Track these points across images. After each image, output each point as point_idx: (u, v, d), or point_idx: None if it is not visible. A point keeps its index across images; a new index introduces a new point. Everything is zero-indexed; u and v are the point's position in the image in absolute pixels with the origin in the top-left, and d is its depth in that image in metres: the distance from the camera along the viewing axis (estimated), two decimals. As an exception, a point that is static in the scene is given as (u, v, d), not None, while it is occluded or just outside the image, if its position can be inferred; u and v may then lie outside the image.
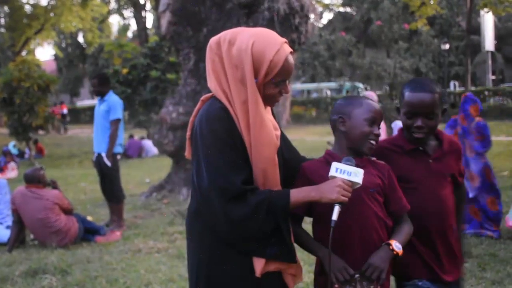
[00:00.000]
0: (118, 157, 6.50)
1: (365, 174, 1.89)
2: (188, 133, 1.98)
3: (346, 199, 1.82)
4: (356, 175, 1.85)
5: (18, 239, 5.75)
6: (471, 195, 5.39)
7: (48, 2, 28.15)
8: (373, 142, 2.01)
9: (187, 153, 1.99)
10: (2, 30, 30.67)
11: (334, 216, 1.82)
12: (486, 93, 26.33)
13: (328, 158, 2.03)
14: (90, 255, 5.26)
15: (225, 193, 1.77)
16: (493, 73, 31.76)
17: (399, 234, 2.01)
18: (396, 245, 1.94)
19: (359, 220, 1.94)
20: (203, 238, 1.91)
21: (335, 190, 1.81)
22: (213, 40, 1.91)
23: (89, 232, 5.89)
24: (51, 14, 27.30)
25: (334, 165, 1.87)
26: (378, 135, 2.02)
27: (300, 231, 2.02)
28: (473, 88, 27.25)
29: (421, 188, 2.14)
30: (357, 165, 1.91)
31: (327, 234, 1.85)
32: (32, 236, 5.91)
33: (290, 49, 1.88)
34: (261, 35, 1.85)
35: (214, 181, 1.79)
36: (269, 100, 1.89)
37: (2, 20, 31.15)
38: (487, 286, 3.90)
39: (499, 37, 33.99)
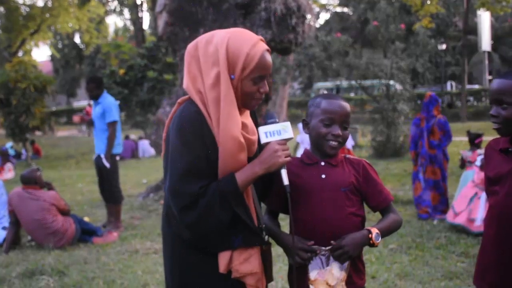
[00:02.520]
0: (117, 157, 6.49)
1: (337, 173, 1.92)
2: (163, 135, 1.97)
3: (290, 158, 1.83)
4: (286, 130, 1.85)
5: (14, 240, 5.74)
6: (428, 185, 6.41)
7: (45, 3, 28.07)
8: (333, 143, 1.99)
9: (163, 154, 1.97)
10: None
11: (286, 181, 1.83)
12: (482, 93, 26.42)
13: (304, 158, 2.06)
14: (87, 256, 5.26)
15: (180, 200, 1.77)
16: (490, 73, 31.84)
17: (383, 222, 2.02)
18: (376, 236, 1.94)
19: (328, 221, 1.96)
20: (174, 244, 1.90)
21: (277, 155, 1.81)
22: (191, 44, 1.92)
23: (86, 233, 5.88)
24: (47, 15, 27.22)
25: (262, 129, 1.85)
26: (337, 136, 1.98)
27: (269, 224, 2.04)
28: (470, 87, 27.33)
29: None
30: (328, 159, 1.97)
31: (299, 228, 1.93)
32: (29, 237, 5.90)
33: (266, 47, 1.87)
34: (237, 32, 1.87)
35: (172, 186, 1.79)
36: (248, 99, 1.87)
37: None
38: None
39: (496, 37, 34.05)
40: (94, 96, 6.43)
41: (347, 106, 2.03)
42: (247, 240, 1.85)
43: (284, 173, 1.83)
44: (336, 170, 2.02)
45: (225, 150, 1.79)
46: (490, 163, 2.07)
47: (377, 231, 1.95)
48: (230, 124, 1.79)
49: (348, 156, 2.10)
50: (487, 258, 2.05)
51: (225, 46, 1.81)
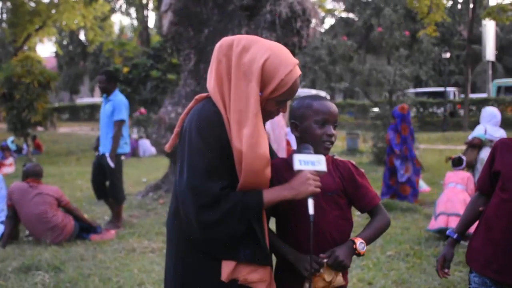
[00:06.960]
0: (122, 157, 6.44)
1: (324, 177, 1.90)
2: (176, 129, 1.95)
3: (319, 189, 1.83)
4: (320, 163, 1.86)
5: (12, 235, 5.73)
6: (404, 179, 7.81)
7: (51, 0, 28.12)
8: (327, 143, 1.98)
9: (168, 146, 1.95)
10: (3, 25, 30.61)
11: (311, 210, 1.82)
12: (486, 102, 26.38)
13: (290, 160, 2.00)
14: (84, 253, 5.25)
15: (199, 198, 1.75)
16: (493, 83, 31.82)
17: (368, 230, 2.01)
18: (360, 245, 1.93)
19: (314, 224, 1.91)
20: (180, 243, 1.88)
21: (308, 183, 1.81)
22: (225, 40, 1.87)
23: (84, 230, 5.87)
24: (53, 11, 27.27)
25: (296, 157, 1.86)
26: (331, 135, 1.97)
27: (269, 233, 2.01)
28: (473, 96, 27.30)
29: None
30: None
31: (286, 233, 1.96)
32: (27, 232, 5.89)
33: (299, 72, 1.87)
34: (277, 51, 1.83)
35: (192, 184, 1.76)
36: (266, 116, 1.88)
37: (4, 16, 31.11)
38: None
39: (500, 47, 34.07)
40: (103, 89, 6.32)
41: (334, 106, 2.05)
42: (255, 257, 1.84)
43: (311, 202, 1.83)
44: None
45: (250, 167, 1.77)
46: (503, 160, 2.13)
47: (361, 240, 1.94)
48: (259, 142, 1.77)
49: (335, 157, 2.09)
50: (493, 248, 2.13)
51: (262, 62, 1.77)
